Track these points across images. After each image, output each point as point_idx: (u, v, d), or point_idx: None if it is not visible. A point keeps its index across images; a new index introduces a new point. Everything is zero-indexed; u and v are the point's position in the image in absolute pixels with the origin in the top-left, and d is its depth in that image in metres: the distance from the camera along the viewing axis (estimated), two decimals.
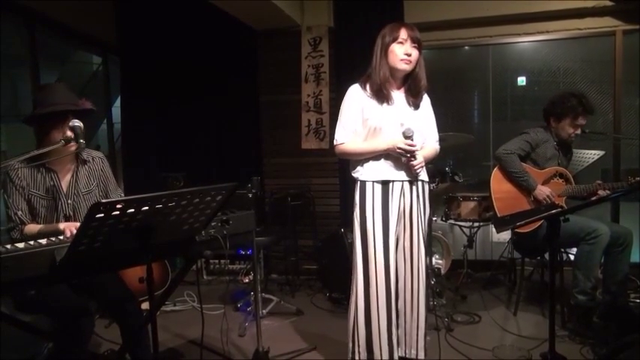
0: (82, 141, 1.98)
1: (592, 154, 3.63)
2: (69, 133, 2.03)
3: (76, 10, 4.50)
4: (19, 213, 2.15)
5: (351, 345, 2.35)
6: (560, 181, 3.29)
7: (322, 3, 4.52)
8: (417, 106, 2.38)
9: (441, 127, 3.43)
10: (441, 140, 3.36)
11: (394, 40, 2.27)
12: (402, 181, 2.30)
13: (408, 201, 2.31)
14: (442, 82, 5.06)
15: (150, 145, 5.01)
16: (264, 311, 3.60)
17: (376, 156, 2.30)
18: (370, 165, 2.32)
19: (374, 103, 2.31)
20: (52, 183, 2.21)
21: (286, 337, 3.22)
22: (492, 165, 3.45)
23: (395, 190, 2.30)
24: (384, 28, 2.35)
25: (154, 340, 1.80)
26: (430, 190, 3.44)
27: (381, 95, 2.30)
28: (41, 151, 2.02)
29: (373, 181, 2.30)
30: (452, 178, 3.62)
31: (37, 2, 4.07)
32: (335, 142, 2.39)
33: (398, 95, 2.35)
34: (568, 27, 4.35)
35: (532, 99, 4.84)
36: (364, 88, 2.35)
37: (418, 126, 2.31)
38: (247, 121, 4.85)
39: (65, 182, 2.26)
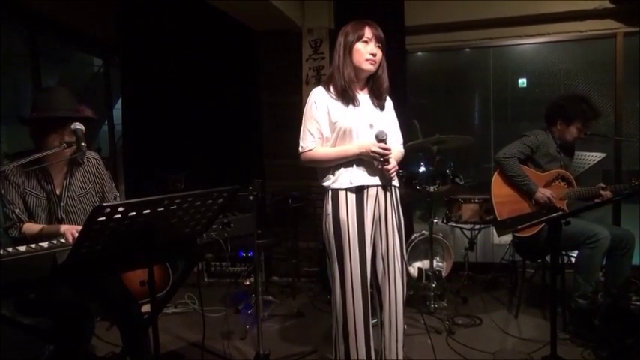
0: (83, 144, 1.98)
1: (593, 157, 3.63)
2: (68, 138, 2.06)
3: (77, 12, 4.51)
4: (17, 211, 2.14)
5: (334, 354, 2.30)
6: (563, 184, 3.29)
7: (323, 5, 4.53)
8: (382, 107, 2.30)
9: (442, 129, 3.46)
10: (442, 142, 3.40)
11: (359, 38, 2.17)
12: (377, 186, 2.20)
13: (382, 207, 2.22)
14: (443, 84, 5.07)
15: (151, 146, 5.01)
16: (265, 313, 3.60)
17: (348, 162, 2.19)
18: (342, 172, 2.20)
19: (340, 104, 2.20)
20: (45, 184, 2.21)
21: (287, 340, 3.22)
22: (493, 168, 3.46)
23: (369, 197, 2.19)
24: (346, 26, 2.24)
25: (155, 342, 1.80)
26: (431, 193, 3.46)
27: (347, 96, 2.20)
28: (40, 154, 2.01)
29: (347, 190, 2.18)
30: (453, 180, 3.61)
31: (39, 3, 4.08)
32: (301, 150, 2.24)
33: (363, 96, 2.27)
34: (569, 29, 4.36)
35: (533, 100, 4.84)
36: (328, 89, 2.24)
37: (385, 125, 2.24)
38: (248, 122, 4.85)
39: (59, 185, 2.24)
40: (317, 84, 4.52)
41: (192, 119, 4.94)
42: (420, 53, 4.98)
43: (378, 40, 2.20)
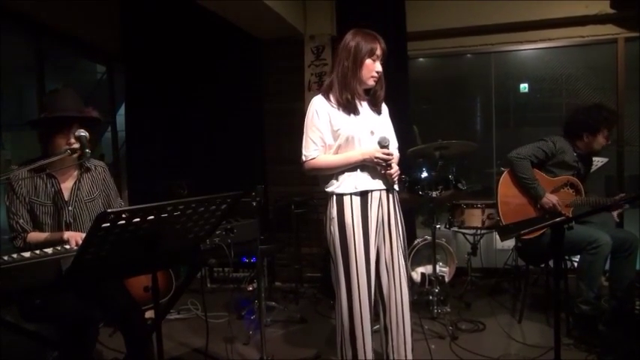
0: (87, 150, 2.00)
1: (595, 161, 3.63)
2: (75, 144, 2.08)
3: (82, 20, 4.54)
4: (21, 221, 2.15)
5: (340, 359, 2.29)
6: (571, 191, 3.26)
7: (325, 12, 4.55)
8: (379, 112, 2.34)
9: (444, 134, 3.46)
10: (444, 148, 3.41)
11: (370, 54, 2.18)
12: (380, 190, 2.24)
13: (385, 211, 2.24)
14: (445, 90, 5.08)
15: (154, 152, 5.02)
16: (268, 319, 3.59)
17: (351, 167, 2.22)
18: (346, 177, 2.22)
19: (341, 113, 2.23)
20: (53, 190, 2.21)
21: (290, 345, 3.22)
22: (496, 172, 3.46)
23: (373, 200, 2.23)
24: (356, 34, 2.22)
25: (158, 348, 1.80)
26: (433, 198, 3.46)
27: (350, 107, 2.22)
28: (47, 161, 2.04)
29: (351, 194, 2.20)
30: (455, 185, 3.62)
31: (44, 12, 4.11)
32: (304, 159, 2.26)
33: (363, 103, 2.30)
34: (570, 34, 4.38)
35: (534, 106, 4.85)
36: (328, 98, 2.25)
37: (386, 131, 2.28)
38: (251, 128, 4.86)
39: (67, 189, 2.25)
40: (319, 90, 4.59)
41: (195, 125, 4.96)
42: (421, 59, 5.00)
43: (384, 55, 2.23)
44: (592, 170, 3.60)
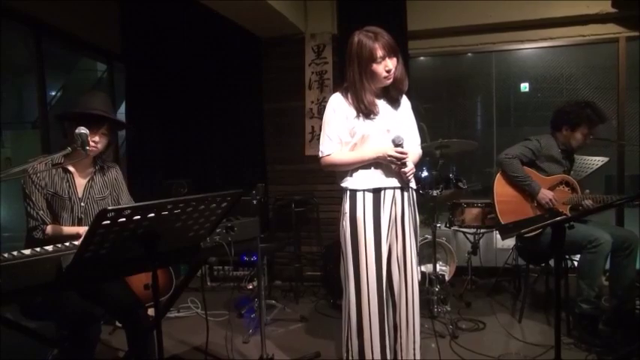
0: (87, 147, 2.02)
1: (596, 161, 3.63)
2: (99, 143, 2.21)
3: (82, 19, 4.54)
4: (41, 213, 2.19)
5: (345, 356, 2.30)
6: (566, 189, 3.27)
7: (326, 10, 4.55)
8: (397, 106, 2.32)
9: (445, 133, 3.46)
10: (445, 147, 3.41)
11: (372, 60, 2.14)
12: (394, 188, 2.25)
13: (399, 208, 2.25)
14: (446, 89, 5.09)
15: (154, 151, 5.02)
16: (268, 318, 3.60)
17: (366, 164, 2.24)
18: (360, 174, 2.25)
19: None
20: (67, 184, 2.27)
21: (290, 344, 3.22)
22: (495, 171, 3.46)
23: (386, 197, 2.23)
24: (355, 38, 2.18)
25: (158, 346, 1.80)
26: (434, 197, 3.46)
27: (366, 112, 2.22)
28: (59, 154, 2.07)
29: (364, 190, 2.23)
30: (456, 184, 3.62)
31: (43, 12, 4.11)
32: (321, 154, 2.31)
33: (379, 102, 2.28)
34: (571, 34, 4.37)
35: (535, 105, 4.85)
36: (345, 97, 2.26)
37: (402, 129, 2.27)
38: (251, 127, 4.87)
39: (80, 185, 2.31)
40: (320, 89, 4.60)
41: (195, 124, 4.96)
42: (422, 58, 5.00)
43: (390, 50, 2.16)
44: (592, 170, 3.60)
